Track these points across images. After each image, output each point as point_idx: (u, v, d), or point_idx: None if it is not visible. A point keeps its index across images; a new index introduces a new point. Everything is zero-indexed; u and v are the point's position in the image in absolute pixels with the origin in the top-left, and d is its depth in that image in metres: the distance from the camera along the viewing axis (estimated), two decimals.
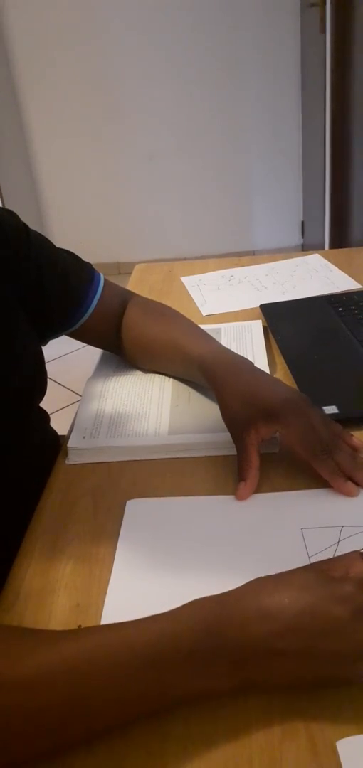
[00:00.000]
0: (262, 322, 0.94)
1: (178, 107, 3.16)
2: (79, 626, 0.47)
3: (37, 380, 0.74)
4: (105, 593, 0.50)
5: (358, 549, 0.46)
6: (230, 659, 0.39)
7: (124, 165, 3.28)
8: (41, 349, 0.77)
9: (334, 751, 0.37)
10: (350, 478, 0.58)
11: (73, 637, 0.41)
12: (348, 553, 0.45)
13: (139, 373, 0.82)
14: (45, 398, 0.78)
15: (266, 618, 0.39)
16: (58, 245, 0.82)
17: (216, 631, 0.39)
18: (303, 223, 3.35)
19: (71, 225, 3.37)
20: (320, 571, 0.42)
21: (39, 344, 0.76)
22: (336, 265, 1.15)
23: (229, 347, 0.74)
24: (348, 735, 0.38)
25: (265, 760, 0.38)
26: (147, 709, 0.40)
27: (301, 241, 3.39)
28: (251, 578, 0.42)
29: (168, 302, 0.87)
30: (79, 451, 0.68)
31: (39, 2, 2.93)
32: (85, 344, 0.86)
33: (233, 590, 0.42)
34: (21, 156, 3.28)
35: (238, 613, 0.40)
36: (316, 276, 1.12)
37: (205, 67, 3.07)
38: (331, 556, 0.50)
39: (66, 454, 0.69)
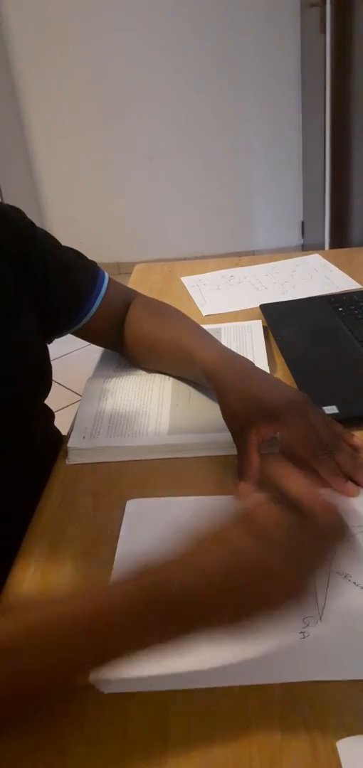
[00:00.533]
0: (262, 322, 0.94)
1: (178, 107, 3.16)
2: None
3: (42, 377, 0.74)
4: None
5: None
6: (169, 617, 0.40)
7: (124, 165, 3.28)
8: (46, 346, 0.77)
9: (334, 751, 0.37)
10: (350, 479, 0.58)
11: (23, 610, 0.43)
12: (257, 497, 0.45)
13: (139, 372, 0.83)
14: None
15: (202, 574, 0.40)
16: None
17: (155, 592, 0.40)
18: (303, 223, 3.35)
19: (71, 225, 3.36)
20: (245, 525, 0.42)
21: (44, 341, 0.76)
22: (336, 265, 1.15)
23: (229, 347, 0.74)
24: (348, 735, 0.38)
25: (265, 760, 0.38)
26: (91, 667, 0.42)
27: (301, 241, 3.39)
28: None
29: (168, 302, 0.87)
30: (79, 451, 0.68)
31: (39, 2, 2.94)
32: (85, 344, 0.86)
33: (171, 552, 0.43)
34: (21, 156, 3.28)
35: (177, 572, 0.41)
36: (316, 276, 1.12)
37: (205, 67, 3.07)
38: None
39: (66, 454, 0.69)
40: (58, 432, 0.83)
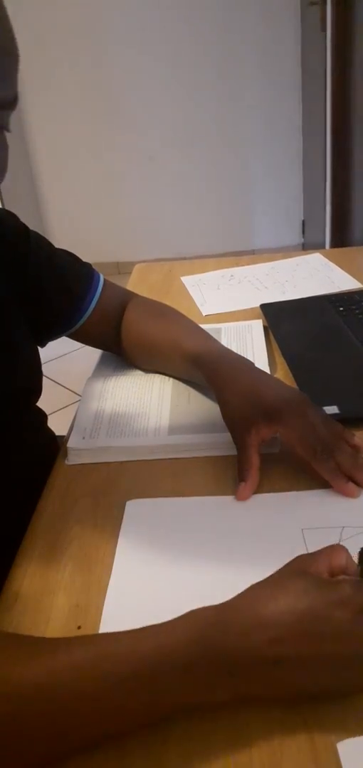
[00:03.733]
0: (263, 321, 0.93)
1: (178, 106, 3.15)
2: (79, 627, 0.48)
3: (32, 380, 0.74)
4: (105, 594, 0.50)
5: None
6: (228, 671, 0.38)
7: (124, 165, 3.28)
8: (37, 349, 0.76)
9: (335, 753, 0.37)
10: (351, 479, 0.58)
11: (67, 649, 0.40)
12: (325, 549, 0.44)
13: (138, 373, 0.82)
14: (44, 398, 0.78)
15: (265, 626, 0.38)
16: (58, 245, 0.82)
17: (213, 643, 0.38)
18: (303, 222, 3.35)
19: (71, 225, 3.36)
20: (313, 575, 0.41)
21: (35, 344, 0.76)
22: (337, 264, 1.15)
23: (229, 347, 0.74)
24: (349, 736, 0.38)
25: (265, 760, 0.38)
26: (143, 721, 0.39)
27: (302, 240, 3.39)
28: (252, 579, 0.42)
29: (168, 302, 0.87)
30: (79, 451, 0.68)
31: (39, 2, 2.93)
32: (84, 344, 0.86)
33: (229, 600, 0.40)
34: (21, 156, 3.28)
35: (236, 623, 0.39)
36: (316, 275, 1.12)
37: (205, 66, 3.06)
38: None
39: (66, 454, 0.69)
40: (51, 433, 0.83)
